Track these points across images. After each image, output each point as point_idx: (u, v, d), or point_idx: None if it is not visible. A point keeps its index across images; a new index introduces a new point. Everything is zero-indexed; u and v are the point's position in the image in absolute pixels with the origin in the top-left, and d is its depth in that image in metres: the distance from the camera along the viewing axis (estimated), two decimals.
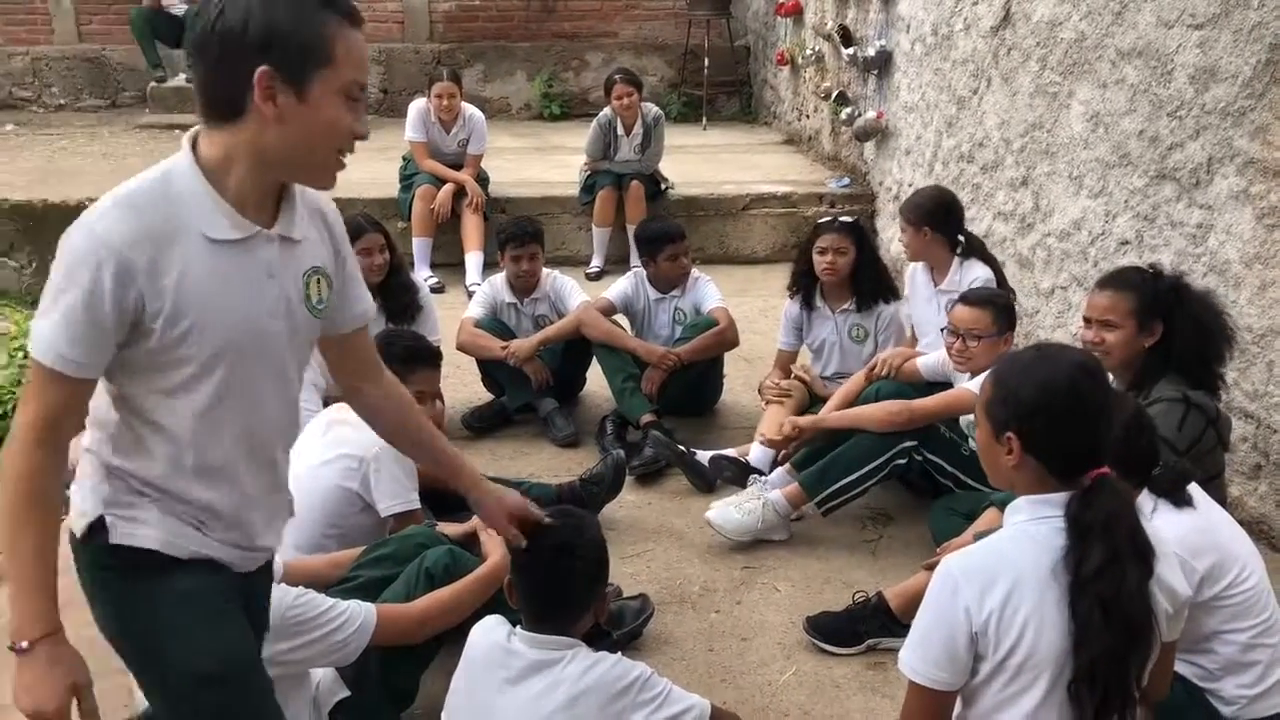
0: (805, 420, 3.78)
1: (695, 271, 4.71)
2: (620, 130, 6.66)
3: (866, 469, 3.51)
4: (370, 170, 7.19)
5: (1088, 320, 3.02)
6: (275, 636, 2.17)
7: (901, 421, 3.50)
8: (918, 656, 1.90)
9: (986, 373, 2.07)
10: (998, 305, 3.50)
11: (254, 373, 1.73)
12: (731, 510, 3.59)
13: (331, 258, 1.84)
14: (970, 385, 3.39)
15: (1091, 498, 1.85)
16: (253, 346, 1.70)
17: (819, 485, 3.55)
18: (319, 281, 1.80)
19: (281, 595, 2.24)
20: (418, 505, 3.02)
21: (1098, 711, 1.82)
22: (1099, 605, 1.79)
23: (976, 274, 3.92)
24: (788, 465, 3.78)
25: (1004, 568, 1.85)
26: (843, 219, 4.30)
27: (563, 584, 2.17)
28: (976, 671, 1.88)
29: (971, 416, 2.74)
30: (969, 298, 3.53)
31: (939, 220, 3.97)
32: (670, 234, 4.58)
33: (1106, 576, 1.79)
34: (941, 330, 3.61)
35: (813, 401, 4.20)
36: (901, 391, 3.65)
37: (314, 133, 1.62)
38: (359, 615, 2.34)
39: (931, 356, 3.77)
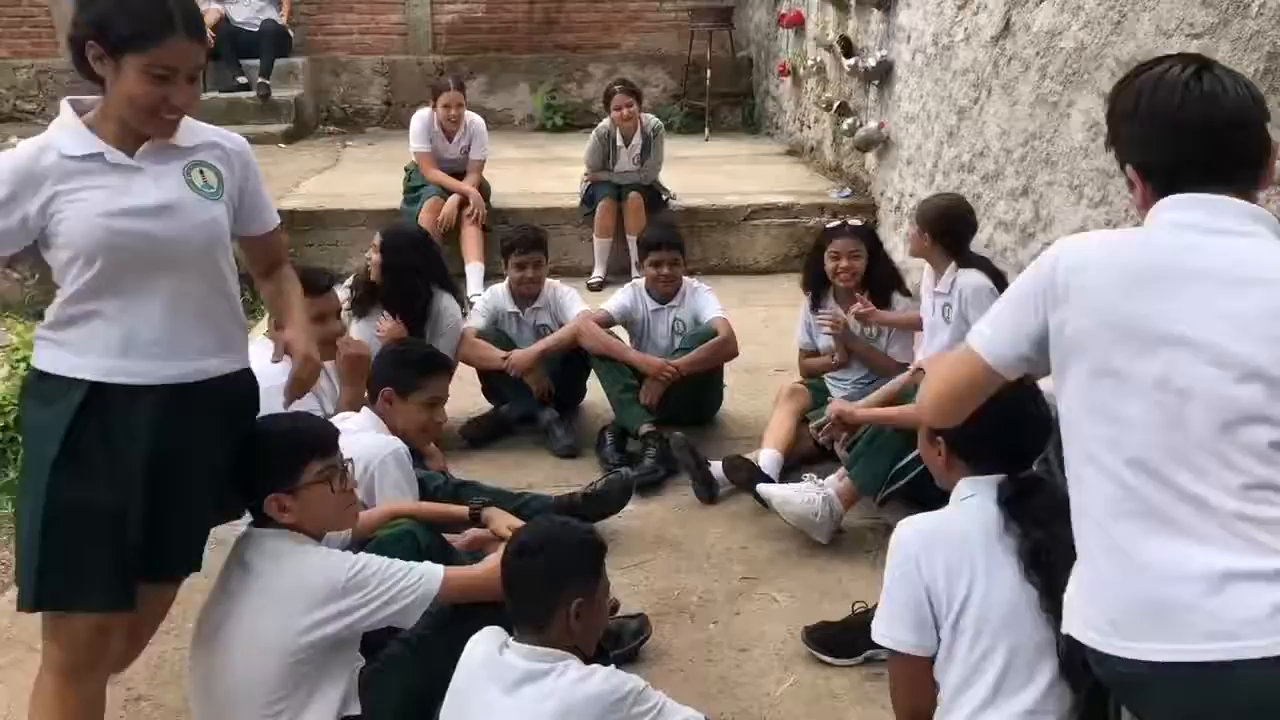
0: (862, 413, 3.76)
1: (694, 281, 4.73)
2: (619, 141, 6.67)
3: (916, 452, 3.48)
4: (371, 182, 7.21)
5: None
6: (343, 594, 2.24)
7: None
8: (885, 622, 2.03)
9: None
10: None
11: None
12: (791, 492, 3.62)
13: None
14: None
15: (1023, 485, 2.04)
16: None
17: (874, 480, 3.56)
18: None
19: (340, 559, 2.30)
20: None
21: (1093, 691, 1.86)
22: (1047, 586, 1.90)
23: (967, 280, 3.89)
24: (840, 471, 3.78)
25: (948, 528, 2.04)
26: (852, 222, 4.35)
27: (521, 583, 2.20)
28: (939, 640, 2.00)
29: None
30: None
31: (939, 230, 3.96)
32: (660, 242, 4.66)
33: (1044, 561, 1.92)
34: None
35: (814, 406, 4.19)
36: None
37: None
38: (421, 568, 2.38)
39: None
